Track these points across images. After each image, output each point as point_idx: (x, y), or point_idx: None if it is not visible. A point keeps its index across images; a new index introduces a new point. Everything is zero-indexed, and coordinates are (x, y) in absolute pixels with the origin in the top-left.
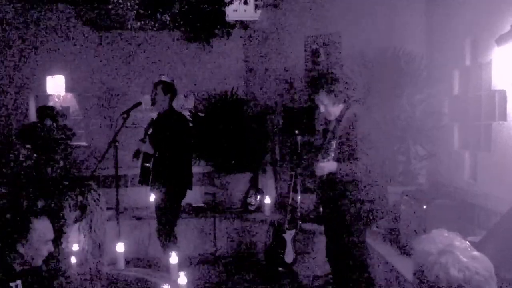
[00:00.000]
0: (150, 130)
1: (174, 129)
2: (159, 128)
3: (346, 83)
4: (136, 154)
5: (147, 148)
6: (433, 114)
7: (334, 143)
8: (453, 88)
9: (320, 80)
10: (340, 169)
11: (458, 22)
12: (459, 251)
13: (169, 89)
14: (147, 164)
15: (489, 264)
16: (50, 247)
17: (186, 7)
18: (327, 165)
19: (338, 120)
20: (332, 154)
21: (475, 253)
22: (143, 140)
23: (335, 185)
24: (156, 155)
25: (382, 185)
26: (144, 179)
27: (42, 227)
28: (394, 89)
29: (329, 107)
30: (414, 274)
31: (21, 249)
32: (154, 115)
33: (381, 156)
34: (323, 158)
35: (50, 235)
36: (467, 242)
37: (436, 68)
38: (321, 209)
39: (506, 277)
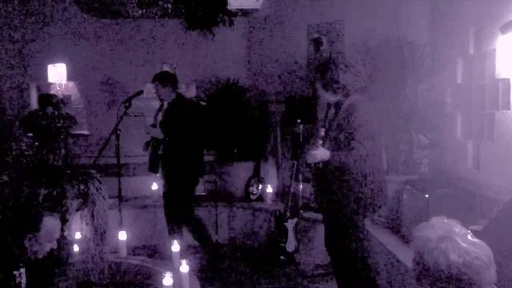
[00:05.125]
0: (159, 116)
1: (183, 116)
2: (169, 115)
3: (349, 71)
4: (148, 144)
5: (156, 133)
6: (436, 103)
7: (322, 130)
8: (456, 77)
9: (318, 67)
10: (333, 158)
11: (462, 10)
12: (458, 237)
13: (166, 79)
14: (158, 152)
15: (488, 250)
16: (53, 244)
17: None
18: (319, 153)
19: (337, 109)
20: (320, 142)
21: (475, 239)
22: (152, 126)
23: (329, 174)
24: (166, 140)
25: (380, 174)
26: (153, 166)
27: (51, 225)
28: (397, 78)
29: (323, 94)
30: (414, 260)
31: (26, 244)
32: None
33: (380, 146)
34: (314, 145)
35: (57, 234)
36: (466, 229)
37: (440, 56)
38: (318, 198)
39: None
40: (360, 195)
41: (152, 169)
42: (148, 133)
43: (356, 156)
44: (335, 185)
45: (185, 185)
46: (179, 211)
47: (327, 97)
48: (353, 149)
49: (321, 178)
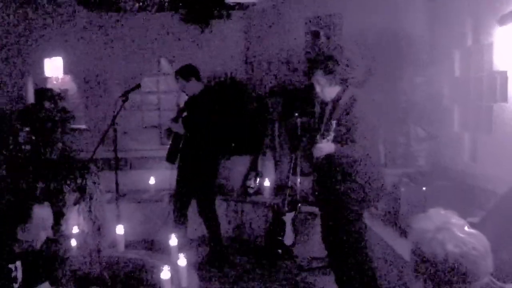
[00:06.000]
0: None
1: (206, 110)
2: (191, 110)
3: (347, 65)
4: (169, 133)
5: (178, 128)
6: (434, 96)
7: (334, 123)
8: (454, 69)
9: (318, 59)
10: (338, 151)
11: (459, 2)
12: (455, 227)
13: (187, 73)
14: (177, 143)
15: (485, 240)
16: (49, 232)
17: None
18: (325, 146)
19: (335, 102)
20: (333, 134)
21: (471, 230)
22: (175, 120)
23: (332, 167)
24: (187, 136)
25: (378, 167)
26: (172, 157)
27: (42, 213)
28: (395, 70)
29: (325, 88)
30: (412, 251)
31: (20, 235)
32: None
33: (379, 138)
34: (323, 138)
35: (50, 221)
36: (463, 220)
37: (437, 49)
38: (317, 191)
39: (504, 257)
40: (360, 188)
41: (170, 160)
42: (167, 130)
43: (360, 148)
44: (337, 178)
45: (205, 179)
46: (200, 205)
47: (327, 91)
48: (357, 141)
49: (322, 171)
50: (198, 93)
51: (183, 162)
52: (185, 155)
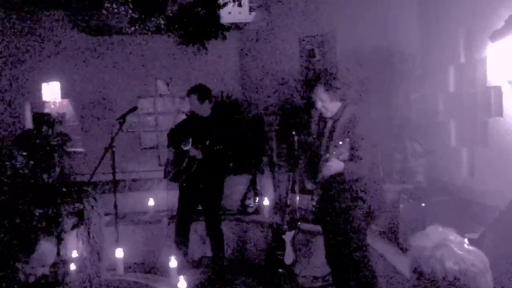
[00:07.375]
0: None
1: (224, 133)
2: (203, 133)
3: (344, 83)
4: (177, 156)
5: (194, 152)
6: (429, 111)
7: (338, 141)
8: (448, 85)
9: (319, 76)
10: (346, 169)
11: (452, 18)
12: (454, 244)
13: (203, 96)
14: (190, 165)
15: (484, 257)
16: (45, 270)
17: (180, 10)
18: (334, 165)
19: (336, 119)
20: (347, 153)
21: (470, 247)
22: (188, 142)
23: (338, 185)
24: (202, 159)
25: (379, 184)
26: (177, 177)
27: (46, 249)
28: (390, 87)
29: (327, 103)
30: (411, 269)
31: (19, 265)
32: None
33: (378, 155)
34: (331, 156)
35: (51, 259)
36: (462, 237)
37: (431, 65)
38: (321, 209)
39: (504, 273)
40: (364, 204)
41: (176, 179)
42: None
43: (366, 165)
44: (344, 196)
45: (215, 198)
46: (209, 224)
47: (328, 107)
48: (362, 158)
49: (328, 188)
50: (208, 117)
51: (191, 182)
52: (194, 175)
